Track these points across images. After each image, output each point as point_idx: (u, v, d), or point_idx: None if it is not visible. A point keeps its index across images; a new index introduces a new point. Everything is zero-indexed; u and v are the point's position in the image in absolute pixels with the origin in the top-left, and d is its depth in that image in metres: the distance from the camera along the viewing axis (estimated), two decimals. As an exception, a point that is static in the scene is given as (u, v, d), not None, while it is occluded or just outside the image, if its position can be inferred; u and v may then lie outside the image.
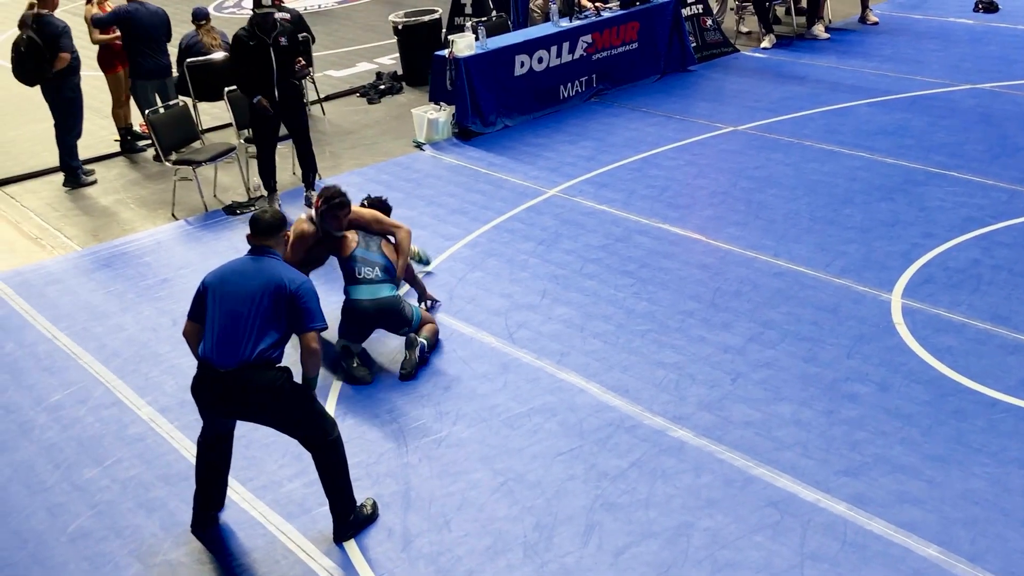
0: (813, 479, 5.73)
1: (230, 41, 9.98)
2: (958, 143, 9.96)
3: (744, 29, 14.25)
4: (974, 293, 7.38)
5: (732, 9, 14.41)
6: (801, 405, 6.37)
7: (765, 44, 13.55)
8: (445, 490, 5.95)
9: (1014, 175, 9.11)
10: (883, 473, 5.73)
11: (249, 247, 5.58)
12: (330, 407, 6.80)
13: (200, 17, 12.03)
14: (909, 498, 5.53)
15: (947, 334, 6.93)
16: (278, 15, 10.03)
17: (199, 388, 5.48)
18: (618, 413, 6.47)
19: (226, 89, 10.70)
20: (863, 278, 7.71)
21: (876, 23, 14.03)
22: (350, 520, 5.63)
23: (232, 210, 10.01)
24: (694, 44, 13.14)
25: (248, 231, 5.57)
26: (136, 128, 12.02)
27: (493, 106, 11.58)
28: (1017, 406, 6.16)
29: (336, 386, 7.05)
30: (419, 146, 11.33)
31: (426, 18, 13.50)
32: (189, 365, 7.41)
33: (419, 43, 13.31)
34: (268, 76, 9.47)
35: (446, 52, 11.52)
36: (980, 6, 14.14)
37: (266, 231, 5.53)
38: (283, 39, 9.53)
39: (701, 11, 13.37)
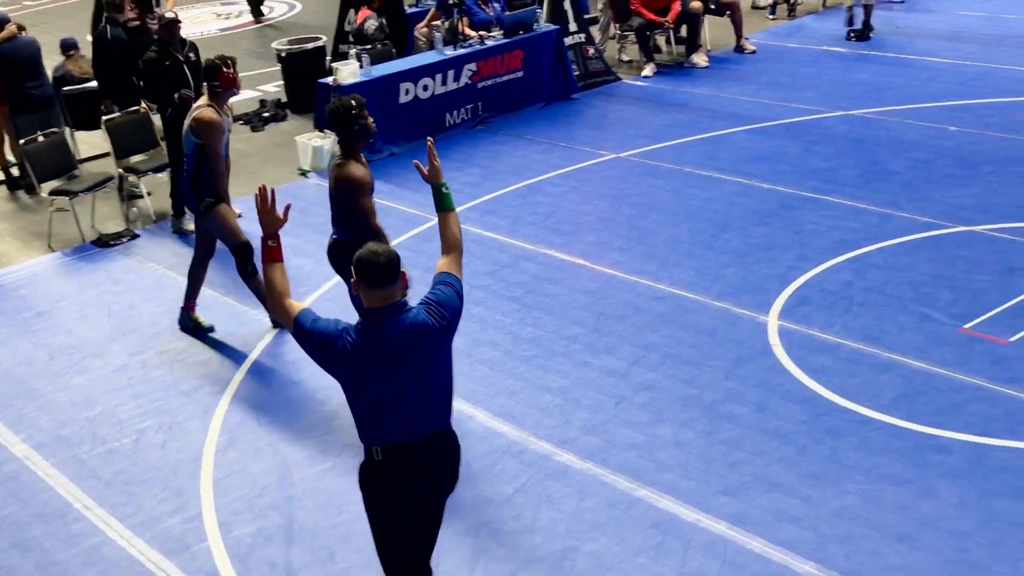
0: (693, 499, 5.83)
1: (141, 65, 9.86)
2: (831, 168, 10.25)
3: (626, 58, 14.48)
4: (847, 314, 7.60)
5: (614, 38, 14.65)
6: (682, 427, 6.48)
7: (646, 72, 13.79)
8: (330, 522, 5.90)
9: (885, 199, 9.41)
10: (761, 492, 5.86)
11: (371, 306, 4.26)
12: (212, 437, 6.70)
13: (68, 47, 11.82)
14: (786, 516, 5.66)
15: (821, 354, 7.13)
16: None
17: (397, 477, 4.36)
18: (504, 439, 6.49)
19: (103, 118, 10.50)
20: (741, 301, 7.88)
21: (753, 51, 14.39)
22: None
23: (104, 242, 9.78)
24: (577, 72, 13.31)
25: (359, 281, 4.25)
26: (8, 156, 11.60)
27: (379, 134, 11.55)
28: (889, 424, 6.35)
29: (218, 415, 6.94)
30: (303, 174, 11.26)
31: (310, 45, 13.45)
32: (65, 400, 7.27)
33: (303, 70, 13.24)
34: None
35: (330, 80, 11.49)
36: (852, 35, 14.60)
37: (387, 277, 4.23)
38: (192, 55, 9.62)
39: (584, 40, 13.56)
